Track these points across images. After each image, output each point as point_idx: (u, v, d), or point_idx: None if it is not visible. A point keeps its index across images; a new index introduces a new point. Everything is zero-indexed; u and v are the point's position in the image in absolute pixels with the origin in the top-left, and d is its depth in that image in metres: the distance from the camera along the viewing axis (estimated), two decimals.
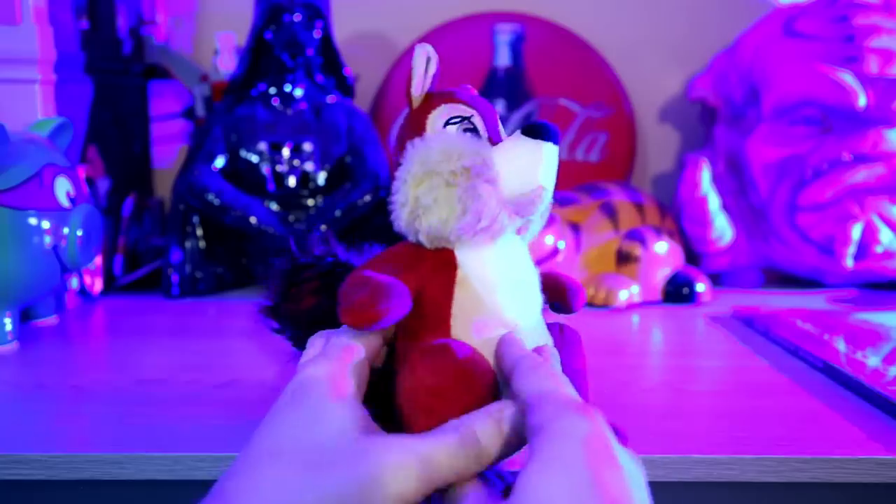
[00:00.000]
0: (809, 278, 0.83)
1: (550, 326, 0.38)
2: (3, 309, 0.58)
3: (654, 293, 0.75)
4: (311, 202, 0.79)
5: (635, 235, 0.75)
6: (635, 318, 0.70)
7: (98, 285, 0.77)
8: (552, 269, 0.40)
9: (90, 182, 0.79)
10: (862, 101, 0.75)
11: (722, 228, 0.82)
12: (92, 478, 0.39)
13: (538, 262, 0.38)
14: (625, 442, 0.34)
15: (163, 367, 0.55)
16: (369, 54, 0.98)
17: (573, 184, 0.83)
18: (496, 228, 0.34)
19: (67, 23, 0.76)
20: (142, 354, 0.59)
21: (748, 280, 0.85)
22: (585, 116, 0.93)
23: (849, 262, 0.78)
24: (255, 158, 0.79)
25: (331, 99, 0.82)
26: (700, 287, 0.74)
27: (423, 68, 0.36)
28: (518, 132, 0.34)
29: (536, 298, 0.36)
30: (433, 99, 0.36)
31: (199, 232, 0.78)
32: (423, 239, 0.34)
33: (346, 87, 0.85)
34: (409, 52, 0.95)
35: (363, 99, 0.95)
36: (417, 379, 0.32)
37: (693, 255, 0.83)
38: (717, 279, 0.84)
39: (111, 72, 0.85)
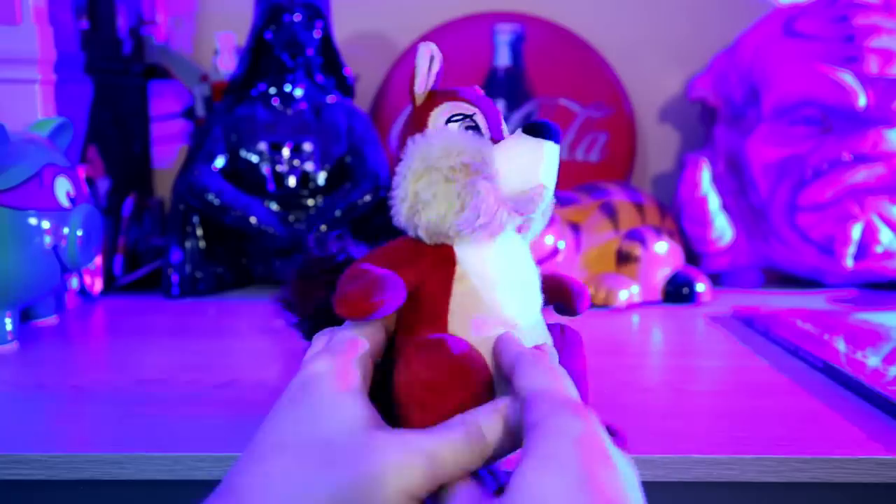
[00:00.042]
0: (809, 278, 0.83)
1: (551, 327, 0.38)
2: (3, 309, 0.58)
3: (654, 293, 0.75)
4: (311, 202, 0.79)
5: (635, 235, 0.75)
6: (635, 318, 0.70)
7: (98, 285, 0.77)
8: (556, 271, 0.40)
9: (90, 182, 0.79)
10: (862, 101, 0.75)
11: (722, 228, 0.82)
12: (92, 478, 0.39)
13: (538, 262, 0.38)
14: (623, 444, 0.34)
15: (163, 367, 0.55)
16: (369, 54, 0.98)
17: (573, 184, 0.83)
18: (495, 225, 0.34)
19: (67, 23, 0.76)
20: (142, 354, 0.59)
21: (748, 280, 0.85)
22: (585, 116, 0.93)
23: (849, 262, 0.78)
24: (255, 158, 0.79)
25: (331, 99, 0.82)
26: (700, 287, 0.74)
27: (427, 66, 0.36)
28: (519, 130, 0.35)
29: (536, 297, 0.37)
30: (436, 97, 0.36)
31: (199, 232, 0.78)
32: (422, 234, 0.35)
33: (346, 87, 0.85)
34: (409, 52, 0.95)
35: (363, 99, 0.95)
36: (412, 373, 0.32)
37: (693, 255, 0.83)
38: (717, 279, 0.84)
39: (111, 72, 0.85)
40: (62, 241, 0.58)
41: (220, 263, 0.80)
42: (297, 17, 0.79)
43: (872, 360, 0.52)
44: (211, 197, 0.76)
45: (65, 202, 0.59)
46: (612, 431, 0.34)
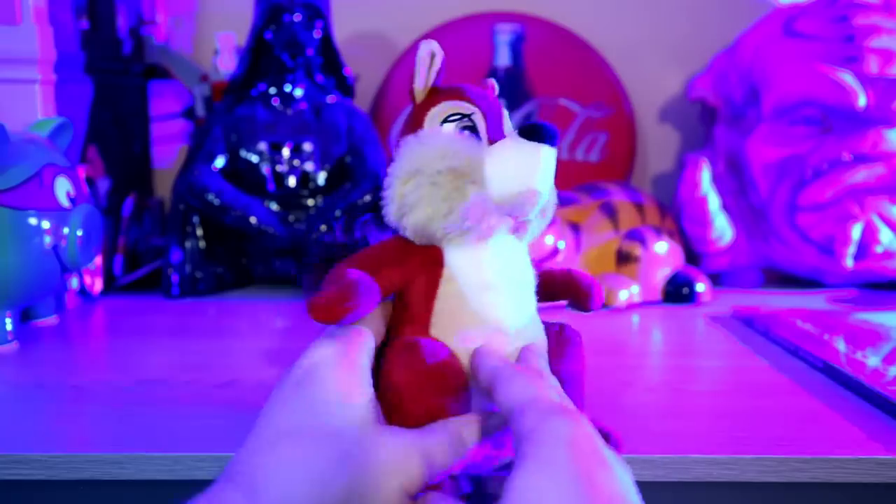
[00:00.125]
0: (809, 278, 0.83)
1: (551, 326, 0.38)
2: (3, 309, 0.58)
3: (654, 293, 0.75)
4: (311, 202, 0.79)
5: (635, 235, 0.75)
6: (635, 318, 0.70)
7: (98, 285, 0.77)
8: (567, 267, 0.39)
9: (90, 182, 0.79)
10: (862, 101, 0.75)
11: (722, 228, 0.82)
12: (92, 478, 0.39)
13: (539, 262, 0.38)
14: (619, 447, 0.34)
15: (163, 367, 0.55)
16: (369, 54, 0.98)
17: (573, 184, 0.83)
18: (483, 229, 0.34)
19: (67, 23, 0.76)
20: (142, 354, 0.59)
21: (748, 280, 0.85)
22: (585, 116, 0.93)
23: (849, 262, 0.78)
24: (255, 158, 0.79)
25: (331, 99, 0.82)
26: (700, 287, 0.75)
27: (427, 64, 0.36)
28: (514, 133, 0.34)
29: (528, 299, 0.36)
30: (436, 95, 0.36)
31: (199, 232, 0.78)
32: (409, 235, 0.35)
33: (346, 87, 0.84)
34: (409, 52, 0.95)
35: (363, 99, 0.95)
36: (386, 375, 0.33)
37: (693, 255, 0.83)
38: (717, 279, 0.84)
39: (111, 72, 0.85)
40: (62, 241, 0.58)
41: (220, 263, 0.80)
42: (297, 17, 0.79)
43: (872, 360, 0.52)
44: (211, 197, 0.76)
45: (65, 202, 0.59)
46: (605, 434, 0.34)
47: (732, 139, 0.84)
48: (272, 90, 0.80)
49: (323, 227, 0.75)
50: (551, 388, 0.31)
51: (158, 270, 0.81)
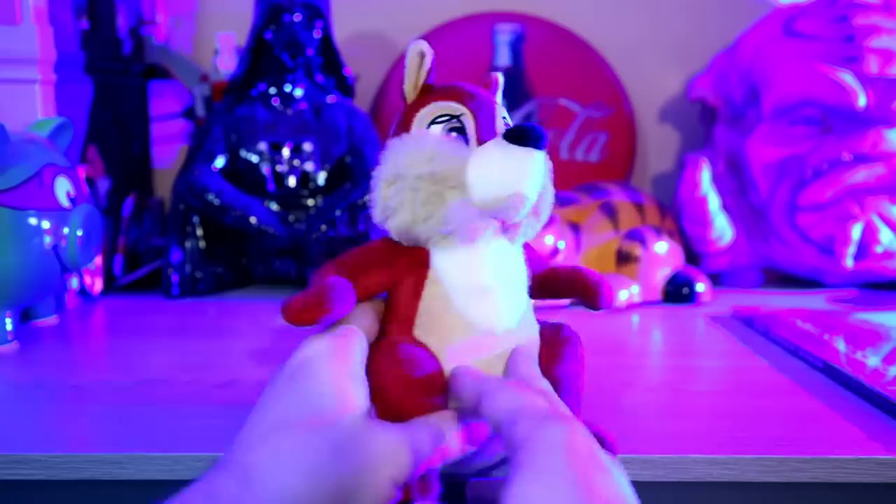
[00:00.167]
0: (809, 278, 0.83)
1: (548, 325, 0.38)
2: (3, 309, 0.58)
3: (654, 293, 0.75)
4: (311, 202, 0.79)
5: (635, 235, 0.75)
6: (635, 318, 0.70)
7: (98, 285, 0.77)
8: (576, 265, 0.39)
9: (90, 182, 0.79)
10: (862, 101, 0.75)
11: (722, 228, 0.82)
12: (92, 478, 0.39)
13: (546, 258, 0.38)
14: (613, 450, 0.34)
15: (163, 367, 0.55)
16: (369, 54, 0.97)
17: (573, 184, 0.83)
18: (465, 233, 0.34)
19: (67, 23, 0.76)
20: (142, 354, 0.59)
21: (748, 280, 0.85)
22: (585, 116, 0.93)
23: (849, 262, 0.78)
24: (255, 158, 0.79)
25: (331, 99, 0.82)
26: (700, 287, 0.74)
27: (416, 64, 0.36)
28: (500, 136, 0.34)
29: (517, 301, 0.36)
30: (427, 96, 0.36)
31: (199, 232, 0.78)
32: (395, 237, 0.35)
33: (346, 87, 0.84)
34: None
35: (363, 99, 0.95)
36: (372, 374, 0.33)
37: (693, 255, 0.83)
38: (717, 279, 0.84)
39: (111, 72, 0.85)
40: (62, 241, 0.58)
41: (220, 263, 0.80)
42: (297, 17, 0.79)
43: (872, 360, 0.52)
44: (211, 197, 0.76)
45: (65, 202, 0.59)
46: (599, 438, 0.34)
47: (732, 139, 0.84)
48: (272, 90, 0.80)
49: (323, 227, 0.75)
50: (540, 394, 0.32)
51: (158, 270, 0.81)
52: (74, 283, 0.74)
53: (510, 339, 0.35)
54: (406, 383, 0.33)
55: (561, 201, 0.78)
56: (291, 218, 0.78)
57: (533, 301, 0.40)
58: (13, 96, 0.70)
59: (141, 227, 0.84)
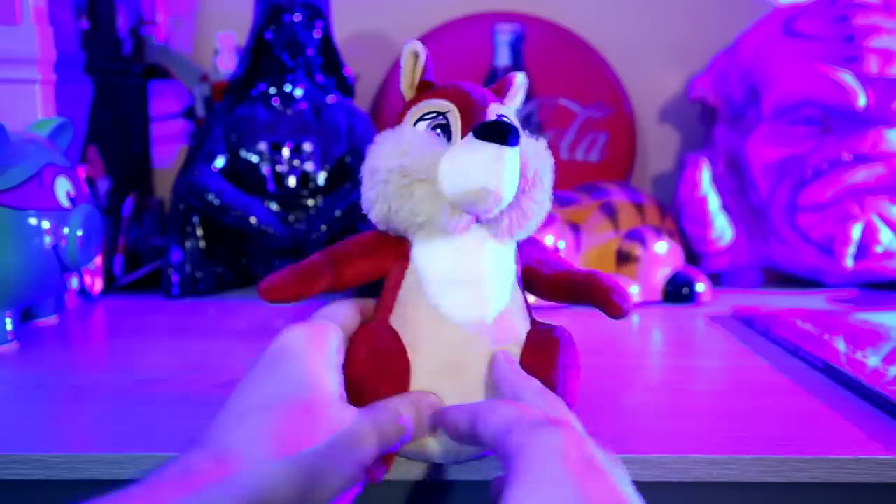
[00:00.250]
0: (809, 278, 0.83)
1: (542, 327, 0.38)
2: (3, 309, 0.58)
3: (654, 293, 0.75)
4: (311, 202, 0.79)
5: (635, 235, 0.75)
6: (635, 318, 0.70)
7: (98, 285, 0.77)
8: (594, 270, 0.39)
9: (90, 182, 0.79)
10: (862, 101, 0.75)
11: (722, 228, 0.82)
12: (92, 478, 0.39)
13: (562, 258, 0.38)
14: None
15: (163, 367, 0.55)
16: (369, 54, 0.97)
17: (573, 184, 0.83)
18: (437, 225, 0.35)
19: (67, 23, 0.76)
20: (142, 354, 0.59)
21: (748, 280, 0.85)
22: (585, 116, 0.93)
23: (849, 262, 0.78)
24: (255, 158, 0.79)
25: (331, 99, 0.82)
26: (700, 287, 0.74)
27: (411, 64, 0.37)
28: (471, 133, 0.35)
29: (494, 298, 0.37)
30: (421, 93, 0.38)
31: (199, 232, 0.78)
32: (380, 228, 0.37)
33: (346, 87, 0.84)
34: None
35: (363, 99, 0.95)
36: (348, 358, 0.35)
37: (693, 255, 0.83)
38: (717, 279, 0.84)
39: (111, 72, 0.85)
40: (62, 241, 0.58)
41: (220, 263, 0.80)
42: (297, 17, 0.79)
43: (872, 360, 0.52)
44: (211, 197, 0.76)
45: (65, 202, 0.59)
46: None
47: (732, 139, 0.84)
48: (272, 90, 0.80)
49: (323, 227, 0.75)
50: (540, 395, 0.32)
51: (158, 270, 0.81)
52: (74, 283, 0.74)
53: (484, 334, 0.36)
54: (372, 370, 0.35)
55: (561, 201, 0.78)
56: (291, 218, 0.78)
57: (535, 300, 0.40)
58: (13, 96, 0.70)
59: (141, 227, 0.84)
